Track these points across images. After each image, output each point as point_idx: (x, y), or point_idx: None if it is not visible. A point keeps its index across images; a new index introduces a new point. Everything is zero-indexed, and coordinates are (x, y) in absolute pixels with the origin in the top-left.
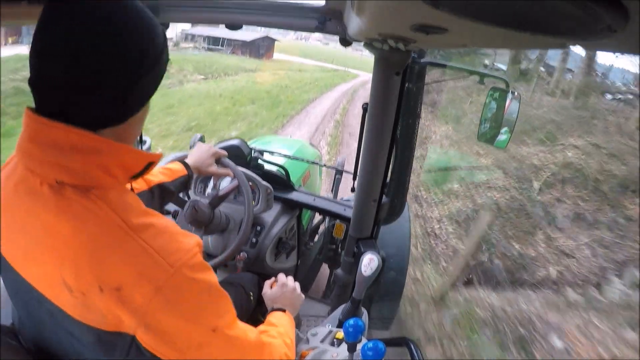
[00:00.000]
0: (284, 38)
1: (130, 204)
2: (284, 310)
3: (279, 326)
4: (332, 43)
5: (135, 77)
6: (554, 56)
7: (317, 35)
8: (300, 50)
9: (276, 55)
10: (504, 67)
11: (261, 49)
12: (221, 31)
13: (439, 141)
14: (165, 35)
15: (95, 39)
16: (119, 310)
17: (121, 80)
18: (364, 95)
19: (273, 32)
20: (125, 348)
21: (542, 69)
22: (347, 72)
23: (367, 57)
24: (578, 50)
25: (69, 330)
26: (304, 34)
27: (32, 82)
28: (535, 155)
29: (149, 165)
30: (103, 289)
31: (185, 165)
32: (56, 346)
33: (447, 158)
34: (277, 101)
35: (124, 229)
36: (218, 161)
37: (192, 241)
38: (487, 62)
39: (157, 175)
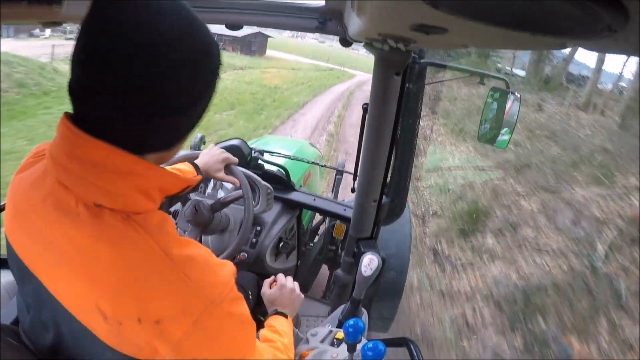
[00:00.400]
0: (280, 35)
1: (170, 232)
2: (286, 316)
3: (283, 336)
4: (328, 41)
5: (191, 102)
6: (579, 63)
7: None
8: (295, 48)
9: (270, 52)
10: (521, 74)
11: (253, 45)
12: (210, 25)
13: (460, 168)
14: (220, 55)
15: (162, 57)
16: (156, 342)
17: (177, 107)
18: (362, 98)
19: (267, 29)
20: None
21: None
22: (343, 72)
23: (364, 56)
24: (613, 62)
25: (96, 351)
26: (299, 32)
27: (76, 88)
28: (594, 202)
29: (186, 188)
30: (142, 320)
31: (196, 167)
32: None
33: (475, 196)
34: (262, 106)
35: (165, 261)
36: (227, 167)
37: (228, 272)
38: (499, 65)
39: None
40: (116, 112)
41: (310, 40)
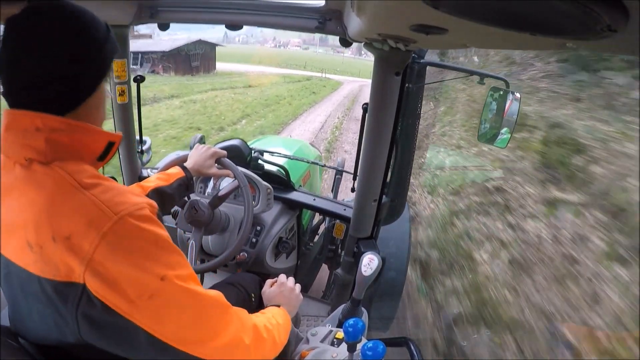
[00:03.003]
0: (262, 47)
1: (85, 169)
2: (278, 306)
3: (267, 313)
4: (312, 47)
5: (77, 69)
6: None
7: (297, 40)
8: (266, 58)
9: (225, 65)
10: None
11: (194, 59)
12: (135, 44)
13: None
14: (106, 31)
15: (41, 47)
16: (69, 258)
17: (65, 74)
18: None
19: (211, 34)
20: (77, 298)
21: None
22: (325, 80)
23: (350, 58)
24: None
25: (33, 291)
26: (282, 40)
27: (3, 91)
28: None
29: (111, 146)
30: (55, 238)
31: (184, 168)
32: (26, 318)
33: None
34: None
35: (75, 187)
36: (218, 161)
37: (141, 199)
38: None
39: (154, 180)
40: (43, 97)
41: (294, 48)
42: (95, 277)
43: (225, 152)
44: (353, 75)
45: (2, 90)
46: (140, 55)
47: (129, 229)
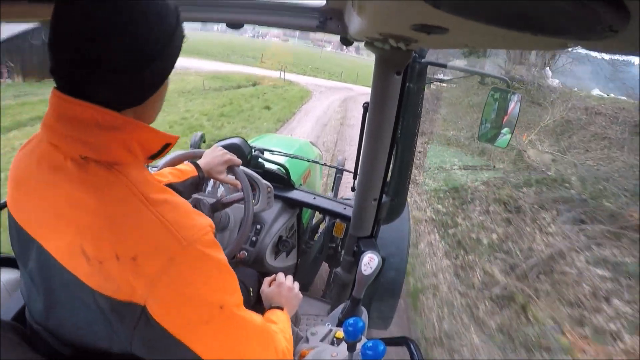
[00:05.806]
0: (240, 36)
1: (149, 180)
2: (281, 309)
3: (278, 323)
4: (291, 39)
5: (149, 58)
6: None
7: (277, 31)
8: (227, 48)
9: None
10: None
11: None
12: None
13: None
14: (177, 15)
15: (109, 23)
16: (133, 279)
17: (136, 62)
18: None
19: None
20: (135, 319)
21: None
22: (283, 85)
23: (331, 54)
24: None
25: (82, 299)
26: (261, 30)
27: (53, 67)
28: None
29: (167, 146)
30: (120, 257)
31: (197, 166)
32: (67, 318)
33: None
34: None
35: (143, 202)
36: (230, 169)
37: (205, 221)
38: None
39: (166, 176)
40: (107, 86)
41: (273, 38)
42: (157, 300)
43: (240, 161)
44: (333, 78)
45: (52, 66)
46: None
47: (196, 256)
